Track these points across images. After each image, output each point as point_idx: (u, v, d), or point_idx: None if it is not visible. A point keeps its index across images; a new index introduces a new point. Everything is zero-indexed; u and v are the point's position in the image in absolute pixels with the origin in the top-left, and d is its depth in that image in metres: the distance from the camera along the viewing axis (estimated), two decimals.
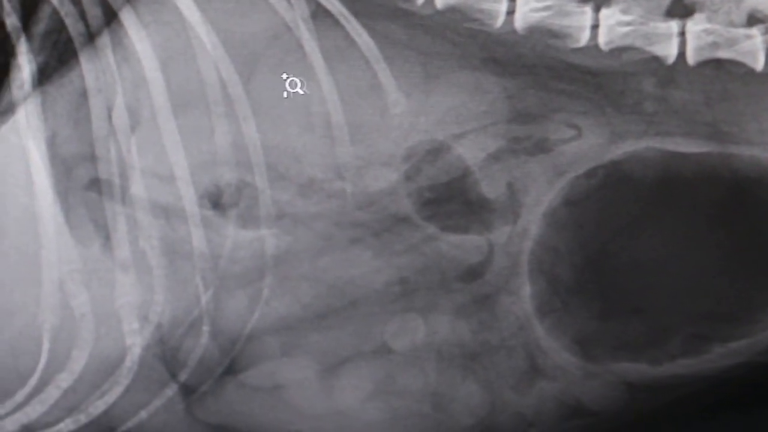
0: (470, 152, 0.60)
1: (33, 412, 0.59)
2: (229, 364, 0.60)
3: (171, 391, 0.60)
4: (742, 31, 0.58)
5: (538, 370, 0.61)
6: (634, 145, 0.60)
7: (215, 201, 0.59)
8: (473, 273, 0.61)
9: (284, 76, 0.59)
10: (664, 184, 0.60)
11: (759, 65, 0.59)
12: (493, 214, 0.61)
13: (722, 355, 0.61)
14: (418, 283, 0.61)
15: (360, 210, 0.60)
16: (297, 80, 0.59)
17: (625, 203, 0.60)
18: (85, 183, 0.58)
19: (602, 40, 0.59)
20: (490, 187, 0.60)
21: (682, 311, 0.61)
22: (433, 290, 0.61)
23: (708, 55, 0.59)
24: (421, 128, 0.60)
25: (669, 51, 0.59)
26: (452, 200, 0.61)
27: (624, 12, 0.59)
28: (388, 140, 0.60)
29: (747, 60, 0.59)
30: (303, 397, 0.61)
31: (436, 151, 0.60)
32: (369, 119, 0.60)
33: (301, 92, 0.59)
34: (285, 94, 0.59)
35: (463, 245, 0.61)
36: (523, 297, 0.61)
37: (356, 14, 0.59)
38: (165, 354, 0.59)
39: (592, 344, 0.61)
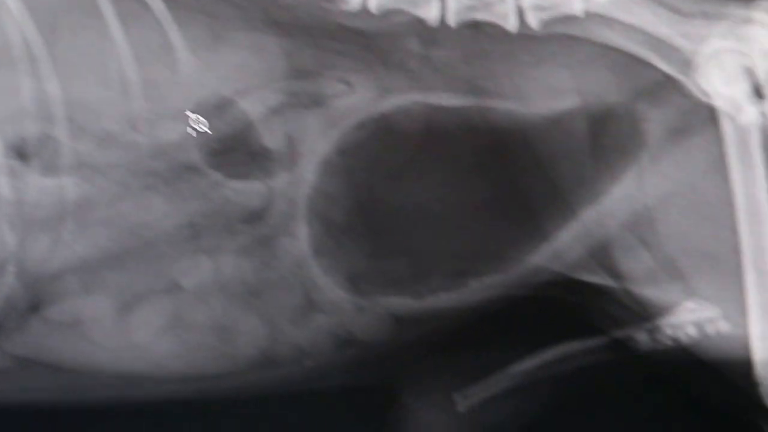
0: (253, 107, 0.66)
1: None
2: (34, 301, 0.65)
3: None
4: None
5: (314, 306, 0.67)
6: (401, 99, 0.66)
7: (20, 152, 0.64)
8: (255, 216, 0.66)
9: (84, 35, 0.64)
10: (428, 134, 0.66)
11: (512, 26, 0.65)
12: (274, 163, 0.66)
13: (478, 289, 0.66)
14: (206, 226, 0.66)
15: (153, 160, 0.65)
16: (96, 40, 0.64)
17: (393, 152, 0.66)
18: None
19: (372, 4, 0.65)
20: (271, 139, 0.66)
21: (443, 250, 0.66)
22: (219, 232, 0.66)
23: (467, 17, 0.65)
24: (208, 85, 0.65)
25: (432, 13, 0.65)
26: (236, 150, 0.66)
27: None
28: (178, 96, 0.65)
29: (501, 22, 0.65)
30: (101, 331, 0.66)
31: (222, 105, 0.66)
32: (160, 77, 0.65)
33: (100, 52, 0.64)
34: (85, 53, 0.64)
35: (246, 191, 0.66)
36: (301, 238, 0.66)
37: None
38: None
39: (363, 281, 0.66)
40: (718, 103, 0.64)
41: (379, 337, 0.66)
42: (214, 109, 0.65)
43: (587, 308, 0.66)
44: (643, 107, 0.64)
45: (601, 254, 0.64)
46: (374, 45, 0.65)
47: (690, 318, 0.65)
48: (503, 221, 0.65)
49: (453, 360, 0.67)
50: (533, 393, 0.66)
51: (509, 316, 0.67)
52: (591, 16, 0.64)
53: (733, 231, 0.64)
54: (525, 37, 0.64)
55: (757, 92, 0.64)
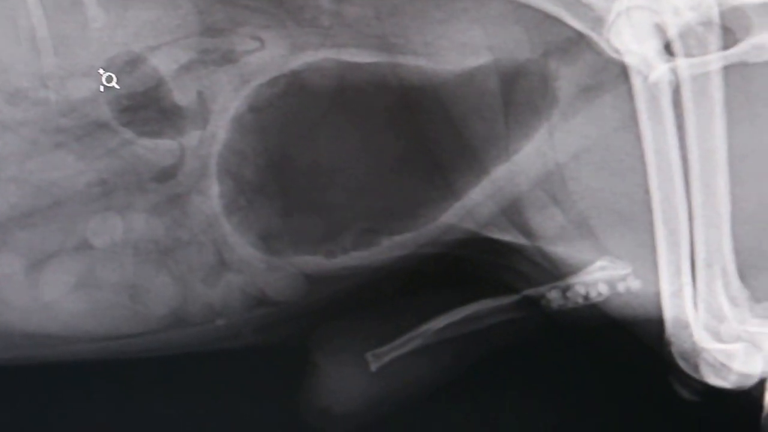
0: (164, 63, 0.65)
1: None
2: None
3: None
4: None
5: (225, 264, 0.66)
6: (313, 56, 0.65)
7: None
8: (166, 174, 0.65)
9: None
10: (339, 91, 0.65)
11: None
12: (185, 120, 0.65)
13: (390, 247, 0.65)
14: (117, 184, 0.65)
15: (63, 117, 0.65)
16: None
17: (305, 109, 0.65)
18: None
19: None
20: (182, 96, 0.65)
21: (355, 208, 0.66)
22: (130, 190, 0.65)
23: None
24: (119, 41, 0.65)
25: None
26: (147, 108, 0.65)
27: None
28: (89, 52, 0.65)
29: None
30: (11, 290, 0.65)
31: (133, 62, 0.65)
32: (71, 33, 0.65)
33: (10, 9, 0.64)
34: None
35: (157, 149, 0.65)
36: (212, 196, 0.66)
37: None
38: None
39: (275, 239, 0.66)
40: (629, 60, 0.63)
41: (291, 296, 0.66)
42: (125, 66, 0.64)
43: (500, 267, 0.65)
44: (555, 64, 0.64)
45: (513, 212, 0.64)
46: (286, 1, 0.64)
47: (601, 276, 0.64)
48: (415, 179, 0.64)
49: (365, 319, 0.66)
50: (445, 351, 0.65)
51: (421, 275, 0.66)
52: None
53: (644, 188, 0.63)
54: None
55: (668, 49, 0.63)
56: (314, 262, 0.64)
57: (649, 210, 0.64)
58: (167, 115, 0.64)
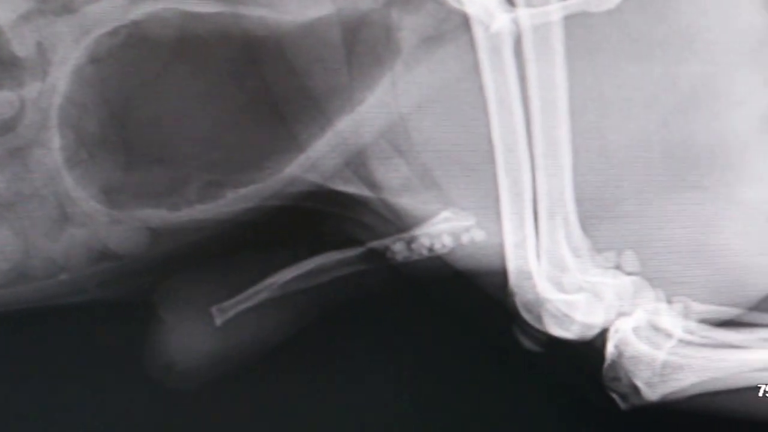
0: (2, 13, 0.64)
1: None
2: None
3: None
4: None
5: (68, 218, 0.65)
6: (153, 5, 0.64)
7: None
8: (6, 127, 0.64)
9: None
10: (181, 41, 0.64)
11: None
12: (24, 71, 0.64)
13: (235, 200, 0.64)
14: None
15: None
16: None
17: (147, 60, 0.64)
18: None
19: None
20: (21, 46, 0.64)
21: (199, 161, 0.64)
22: None
23: None
24: None
25: None
26: None
27: None
28: None
29: None
30: None
31: None
32: None
33: None
34: None
35: None
36: (53, 149, 0.65)
37: None
38: None
39: (117, 193, 0.64)
40: (471, 10, 0.63)
41: (135, 251, 0.64)
42: None
43: (345, 219, 0.64)
44: (397, 14, 0.64)
45: (357, 164, 0.63)
46: None
47: (446, 227, 0.64)
48: (259, 130, 0.64)
49: (210, 273, 0.65)
50: (291, 305, 0.65)
51: (267, 228, 0.64)
52: None
53: (488, 139, 0.63)
54: None
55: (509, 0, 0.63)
56: (158, 215, 0.62)
57: (492, 160, 0.64)
58: (5, 66, 0.63)
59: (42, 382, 0.64)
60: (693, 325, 0.64)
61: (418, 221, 0.64)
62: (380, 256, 0.64)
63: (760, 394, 0.62)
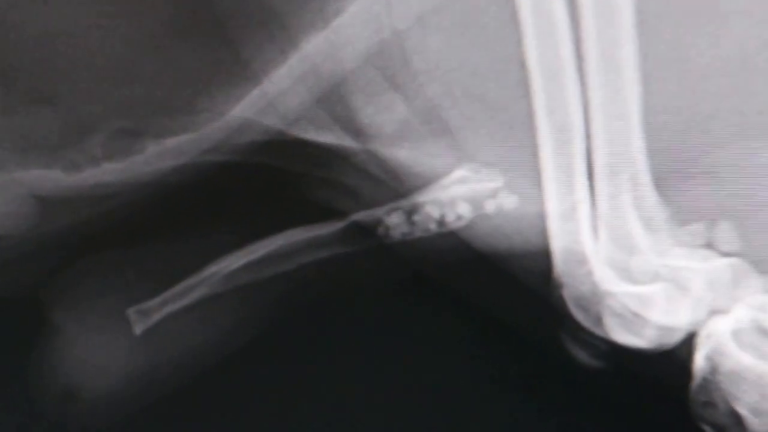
0: None
1: None
2: None
3: None
4: None
5: None
6: None
7: None
8: None
9: None
10: None
11: None
12: None
13: (158, 154, 0.50)
14: None
15: None
16: None
17: None
18: None
19: None
20: None
21: (105, 101, 0.51)
22: None
23: None
24: None
25: None
26: None
27: None
28: None
29: None
30: None
31: None
32: None
33: None
34: None
35: None
36: None
37: None
38: None
39: None
40: None
41: (17, 228, 0.49)
42: None
43: (317, 180, 0.50)
44: None
45: (335, 102, 0.49)
46: None
47: (462, 191, 0.49)
48: (192, 56, 0.49)
49: (125, 262, 0.50)
50: (241, 304, 0.49)
51: (205, 194, 0.49)
52: None
53: (519, 64, 0.48)
54: None
55: None
56: (50, 178, 0.49)
57: (526, 95, 0.49)
58: None
59: None
60: None
61: (422, 183, 0.50)
62: (369, 232, 0.49)
63: None
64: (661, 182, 0.50)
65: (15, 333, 0.49)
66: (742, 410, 0.50)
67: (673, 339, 0.50)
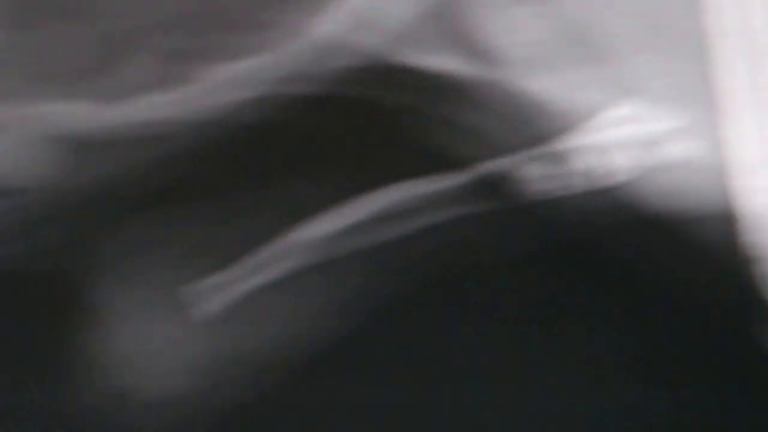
0: None
1: None
2: None
3: None
4: None
5: None
6: None
7: None
8: None
9: None
10: None
11: None
12: None
13: (221, 83, 0.40)
14: None
15: None
16: None
17: None
18: None
19: None
20: None
21: (151, 13, 0.39)
22: None
23: None
24: None
25: None
26: None
27: None
28: None
29: None
30: None
31: None
32: None
33: None
34: None
35: None
36: None
37: None
38: None
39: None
40: None
41: (42, 182, 0.38)
42: None
43: (430, 120, 0.39)
44: None
45: (451, 18, 0.40)
46: None
47: (619, 135, 0.40)
48: None
49: (177, 229, 0.38)
50: (330, 284, 0.38)
51: (283, 139, 0.39)
52: None
53: None
54: None
55: None
56: (79, 113, 0.39)
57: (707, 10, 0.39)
58: None
59: None
60: None
61: (566, 124, 0.40)
62: (494, 188, 0.39)
63: None
64: None
65: (50, 310, 0.39)
66: None
67: None
